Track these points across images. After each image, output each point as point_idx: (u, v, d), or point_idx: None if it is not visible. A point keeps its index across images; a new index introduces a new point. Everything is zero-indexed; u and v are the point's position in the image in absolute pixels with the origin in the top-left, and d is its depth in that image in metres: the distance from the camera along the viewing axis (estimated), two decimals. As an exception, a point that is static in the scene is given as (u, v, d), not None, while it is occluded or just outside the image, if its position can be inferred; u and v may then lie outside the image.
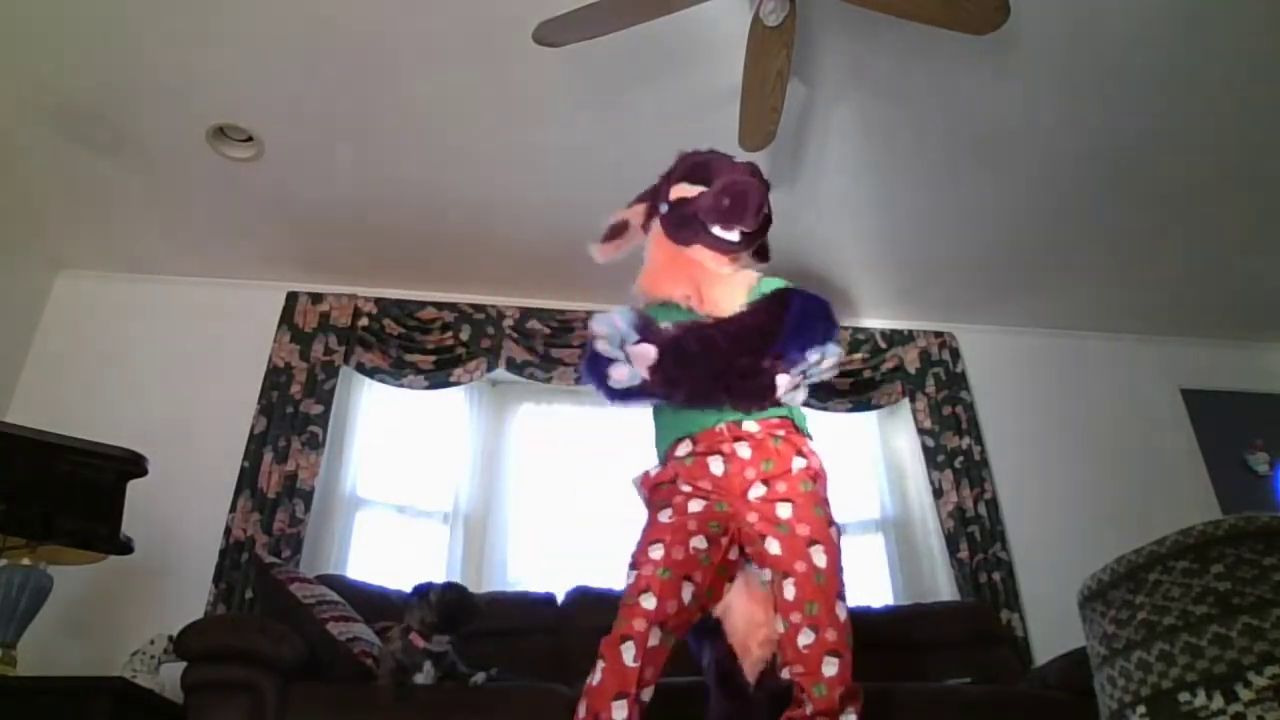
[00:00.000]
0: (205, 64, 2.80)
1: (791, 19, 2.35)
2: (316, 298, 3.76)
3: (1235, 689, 1.38)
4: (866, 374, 4.00)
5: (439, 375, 3.71)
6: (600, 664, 1.61)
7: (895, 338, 4.10)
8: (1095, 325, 4.26)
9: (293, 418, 3.48)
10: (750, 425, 1.84)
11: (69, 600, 2.81)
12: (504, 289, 3.91)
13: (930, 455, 3.80)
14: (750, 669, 1.83)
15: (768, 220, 1.99)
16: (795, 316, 1.86)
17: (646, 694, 1.60)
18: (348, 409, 3.68)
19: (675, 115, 2.95)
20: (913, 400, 3.95)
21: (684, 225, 1.98)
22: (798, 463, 1.83)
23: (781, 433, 1.86)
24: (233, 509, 3.27)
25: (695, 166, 2.04)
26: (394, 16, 2.65)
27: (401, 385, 3.70)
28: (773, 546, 1.73)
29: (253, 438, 3.42)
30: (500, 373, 3.79)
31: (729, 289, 1.97)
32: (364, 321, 3.76)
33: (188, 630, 2.23)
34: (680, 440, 1.88)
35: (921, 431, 3.86)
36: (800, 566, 1.70)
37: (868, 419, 4.02)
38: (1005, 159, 3.27)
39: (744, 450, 1.82)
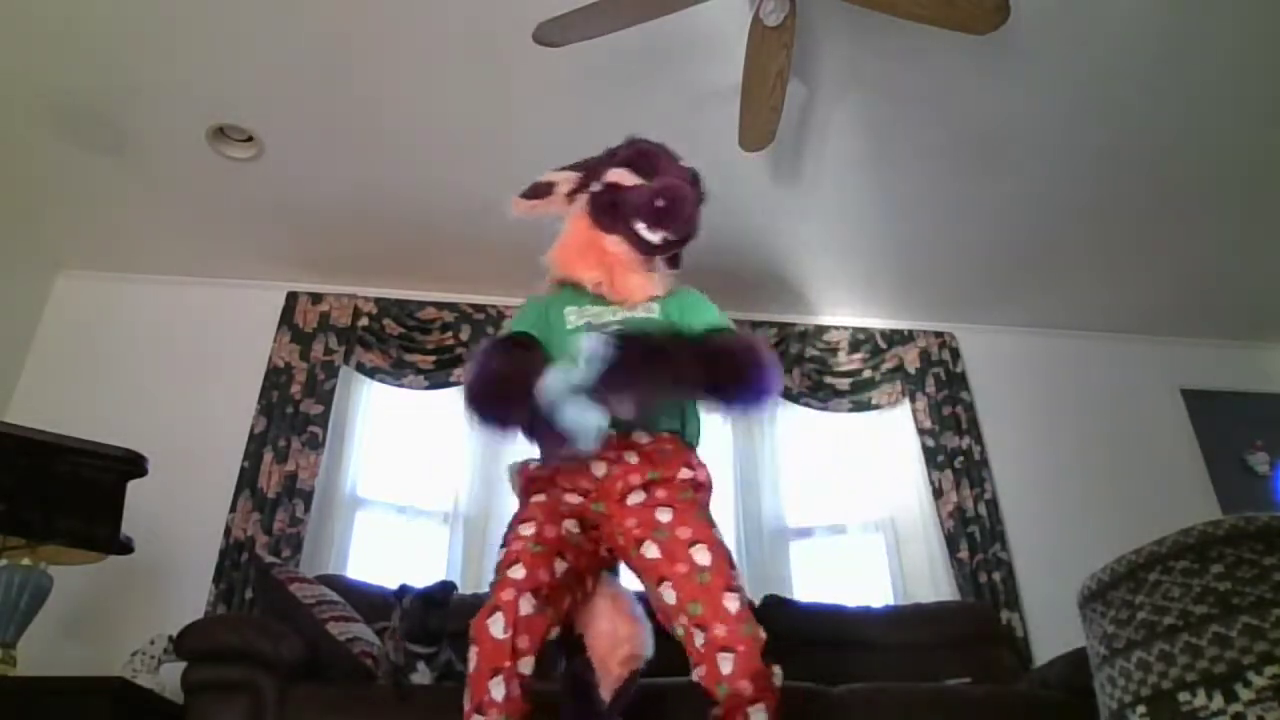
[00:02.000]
0: (205, 64, 2.80)
1: (791, 19, 2.35)
2: (316, 298, 3.77)
3: (1235, 689, 1.38)
4: (866, 374, 4.00)
5: (439, 375, 3.71)
6: (473, 647, 1.55)
7: (895, 338, 4.10)
8: (1095, 325, 4.26)
9: (293, 418, 3.48)
10: (641, 436, 1.81)
11: (69, 600, 2.82)
12: (504, 289, 3.91)
13: (930, 455, 3.80)
14: (608, 687, 1.78)
15: (692, 233, 1.94)
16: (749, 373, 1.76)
17: (525, 665, 1.53)
18: (348, 409, 3.68)
19: (675, 115, 2.95)
20: (913, 400, 3.95)
21: (609, 211, 1.93)
22: (683, 473, 1.79)
23: (669, 446, 1.82)
24: (233, 509, 3.27)
25: (640, 155, 1.99)
26: (394, 17, 2.65)
27: (401, 385, 3.70)
28: (650, 550, 1.67)
29: (253, 438, 3.43)
30: (500, 373, 3.78)
31: (643, 281, 1.94)
32: (364, 321, 3.76)
33: (188, 630, 2.23)
34: None
35: (921, 431, 3.86)
36: (680, 569, 1.63)
37: (868, 419, 4.02)
38: (1005, 159, 3.27)
39: (631, 457, 1.79)
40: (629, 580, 1.87)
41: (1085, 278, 3.96)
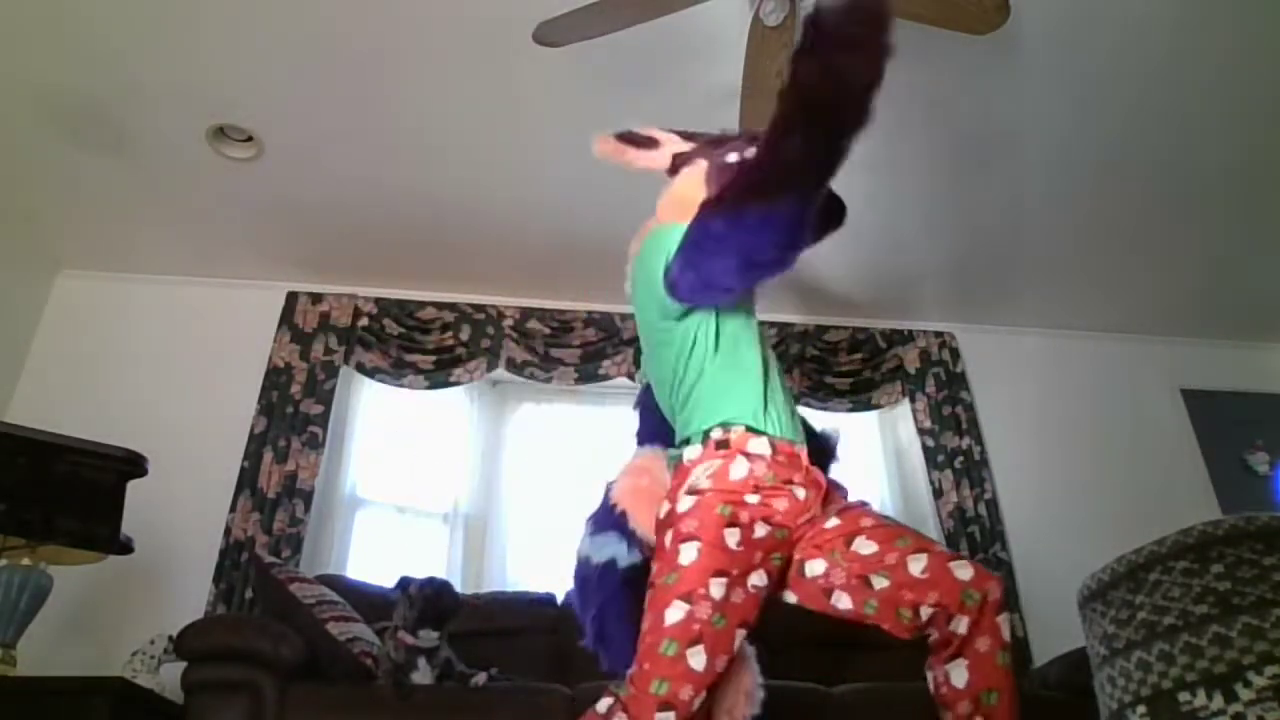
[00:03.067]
0: (205, 64, 2.80)
1: (791, 19, 2.35)
2: (316, 298, 3.77)
3: (1235, 689, 1.38)
4: (866, 374, 4.00)
5: (439, 375, 3.71)
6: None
7: (895, 338, 4.10)
8: (1095, 325, 4.26)
9: (293, 418, 3.48)
10: (802, 450, 1.63)
11: (69, 600, 2.81)
12: (504, 289, 3.91)
13: (930, 455, 3.80)
14: None
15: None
16: None
17: None
18: (348, 409, 3.68)
19: (675, 115, 2.93)
20: (913, 400, 3.95)
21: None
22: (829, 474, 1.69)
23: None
24: (233, 509, 3.27)
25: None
26: (394, 17, 2.65)
27: (401, 385, 3.70)
28: (831, 522, 1.57)
29: (253, 438, 3.42)
30: (500, 373, 3.79)
31: None
32: (364, 321, 3.76)
33: (188, 630, 2.23)
34: (758, 435, 1.58)
35: (921, 431, 3.86)
36: (866, 522, 1.55)
37: (868, 419, 4.02)
38: (1005, 159, 3.27)
39: (819, 477, 1.62)
40: None
41: (1085, 278, 3.96)
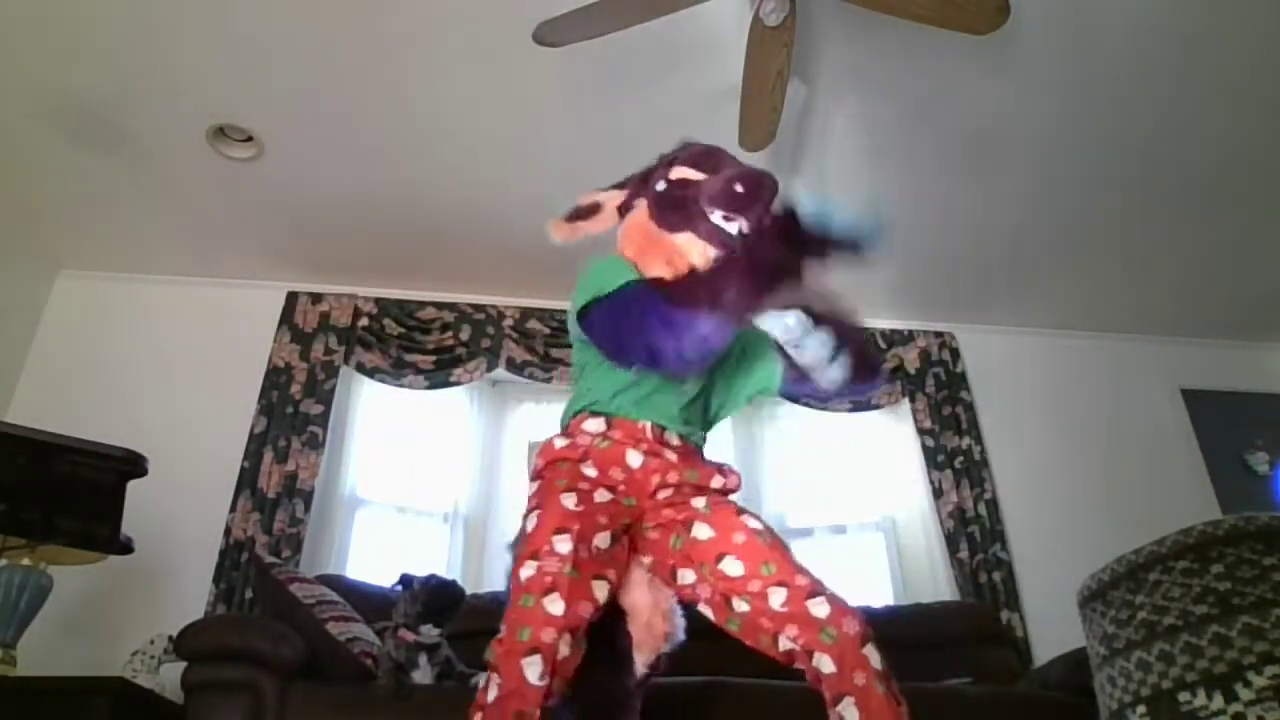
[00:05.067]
0: (205, 64, 2.80)
1: (791, 19, 2.35)
2: (316, 298, 3.77)
3: (1235, 689, 1.38)
4: (866, 374, 4.00)
5: (439, 375, 3.71)
6: (495, 679, 1.43)
7: (895, 338, 4.10)
8: (1095, 325, 4.26)
9: (293, 418, 3.48)
10: (673, 438, 1.71)
11: (69, 600, 2.81)
12: (504, 289, 3.91)
13: (930, 455, 3.80)
14: (643, 659, 1.69)
15: (764, 230, 1.74)
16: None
17: (550, 702, 1.43)
18: (348, 409, 3.68)
19: (675, 115, 2.95)
20: (913, 400, 3.95)
21: (678, 208, 1.77)
22: (715, 480, 1.72)
23: (699, 455, 1.76)
24: (233, 509, 3.27)
25: (704, 154, 1.85)
26: (395, 17, 2.65)
27: (401, 385, 3.70)
28: (701, 530, 1.60)
29: (253, 438, 3.43)
30: (500, 373, 3.79)
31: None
32: (364, 321, 3.76)
33: (188, 630, 2.23)
34: (590, 415, 1.72)
35: (921, 431, 3.86)
36: (739, 537, 1.57)
37: (868, 419, 4.02)
38: (1005, 159, 3.27)
39: (669, 454, 1.69)
40: None
41: (1085, 278, 3.96)
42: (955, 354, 4.09)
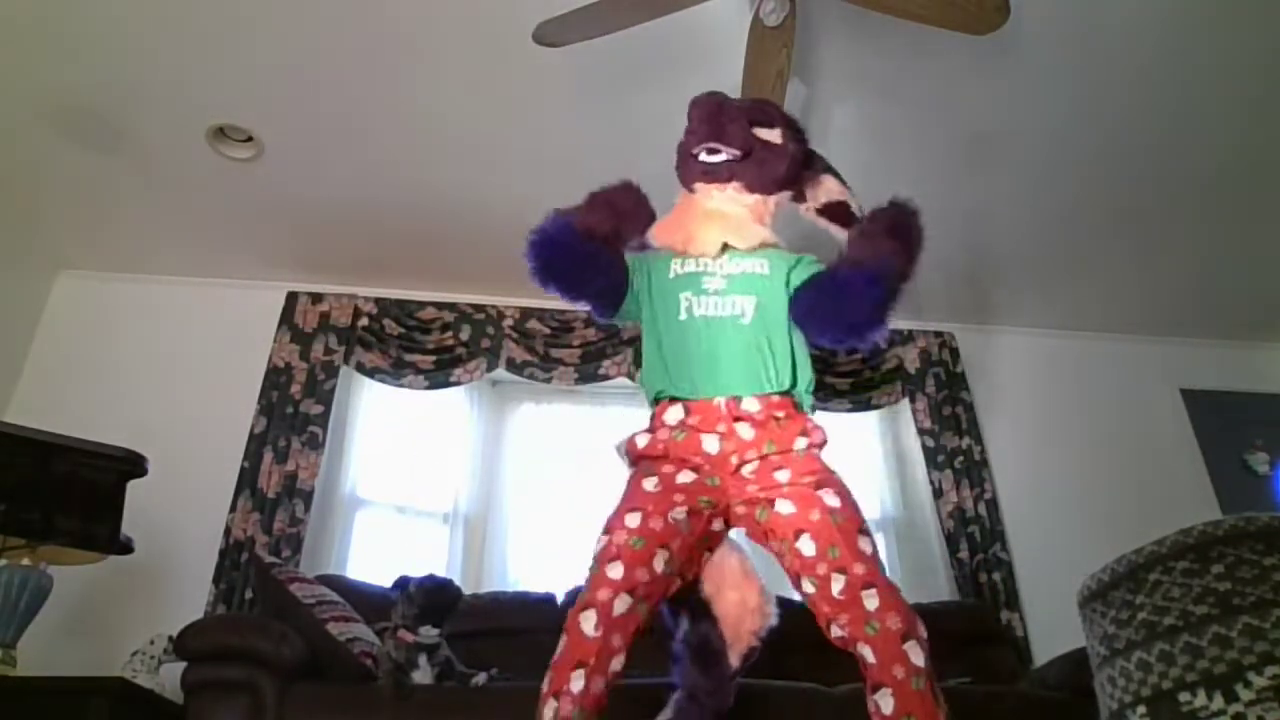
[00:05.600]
0: (205, 64, 2.80)
1: (791, 19, 2.35)
2: (316, 298, 3.77)
3: (1235, 689, 1.38)
4: (866, 374, 4.00)
5: (439, 375, 3.71)
6: (564, 637, 1.54)
7: (895, 338, 4.10)
8: (1095, 325, 4.26)
9: (293, 418, 3.48)
10: (750, 405, 1.76)
11: (69, 600, 2.81)
12: (504, 289, 3.91)
13: (930, 455, 3.79)
14: (737, 654, 1.78)
15: (762, 145, 1.92)
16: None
17: (616, 663, 1.52)
18: (348, 409, 3.68)
19: (675, 115, 2.93)
20: (913, 400, 3.95)
21: (681, 164, 1.95)
22: (799, 442, 1.76)
23: (782, 413, 1.78)
24: (233, 509, 3.27)
25: (693, 106, 2.00)
26: (394, 16, 2.65)
27: (401, 385, 3.70)
28: (784, 506, 1.65)
29: (253, 438, 3.43)
30: (500, 373, 3.79)
31: (720, 228, 1.91)
32: (364, 321, 3.76)
33: (188, 630, 2.23)
34: (671, 403, 1.80)
35: (921, 431, 3.86)
36: (814, 516, 1.62)
37: (868, 419, 4.02)
38: (1005, 159, 3.27)
39: (745, 430, 1.74)
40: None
41: (1085, 278, 3.96)
42: (955, 354, 4.09)
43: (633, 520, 1.63)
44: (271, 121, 3.05)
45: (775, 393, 1.79)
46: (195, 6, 2.60)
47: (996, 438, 3.91)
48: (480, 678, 2.35)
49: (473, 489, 3.64)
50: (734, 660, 1.79)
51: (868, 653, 1.51)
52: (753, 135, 1.92)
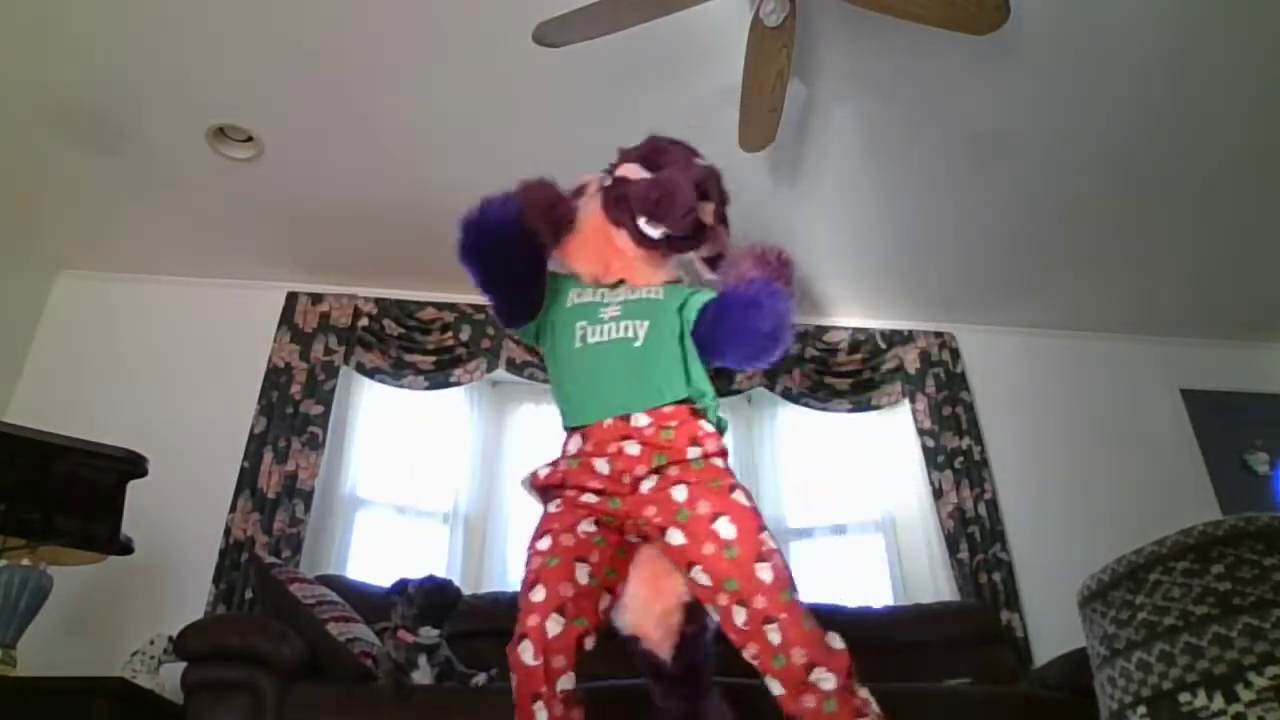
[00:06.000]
0: (205, 64, 2.80)
1: (791, 19, 2.35)
2: (316, 298, 3.76)
3: (1236, 689, 1.38)
4: (866, 374, 4.00)
5: (439, 375, 3.71)
6: (513, 674, 1.57)
7: (895, 338, 4.10)
8: (1095, 325, 4.26)
9: (293, 418, 3.48)
10: (640, 420, 1.77)
11: (69, 600, 2.82)
12: (504, 289, 3.90)
13: (930, 455, 3.79)
14: (663, 649, 1.76)
15: (697, 228, 1.94)
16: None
17: (565, 682, 1.54)
18: (348, 409, 3.68)
19: (675, 115, 2.94)
20: (913, 400, 3.94)
21: (616, 204, 1.96)
22: (693, 451, 1.75)
23: (675, 423, 1.77)
24: (233, 509, 3.27)
25: (652, 151, 2.01)
26: (394, 17, 2.65)
27: (401, 385, 3.70)
28: (675, 537, 1.65)
29: (253, 438, 3.42)
30: (500, 373, 3.79)
31: (644, 271, 1.96)
32: (364, 321, 3.76)
33: (188, 630, 2.23)
34: (573, 433, 1.85)
35: (921, 432, 3.86)
36: (707, 549, 1.61)
37: (868, 419, 4.02)
38: (1005, 159, 3.27)
39: (632, 449, 1.75)
40: None
41: (1085, 278, 3.96)
42: (955, 354, 4.09)
43: (544, 544, 1.69)
44: (271, 121, 3.05)
45: (669, 403, 1.79)
46: (195, 6, 2.60)
47: (996, 438, 3.91)
48: (480, 678, 2.35)
49: (473, 489, 3.64)
50: (665, 655, 1.77)
51: (775, 685, 1.53)
52: (695, 221, 1.93)
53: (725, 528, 1.63)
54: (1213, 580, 1.46)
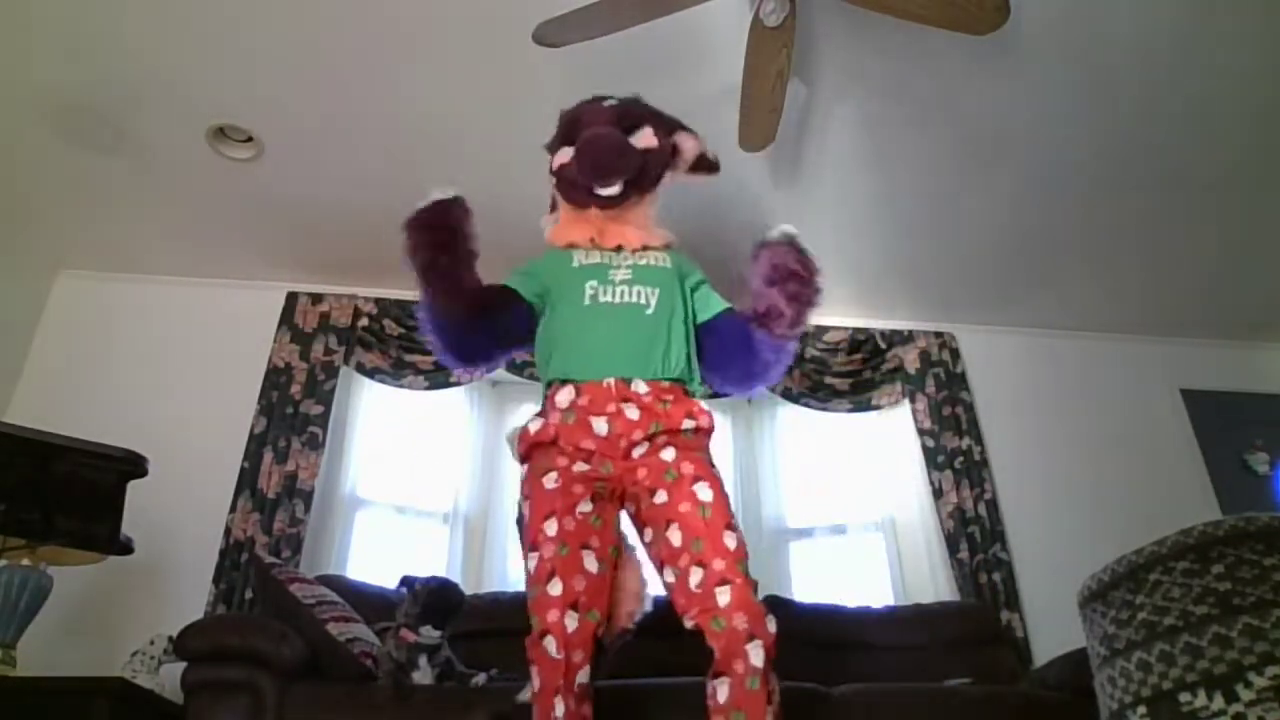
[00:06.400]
0: (205, 64, 2.80)
1: (791, 19, 2.35)
2: (316, 298, 3.76)
3: (1236, 689, 1.38)
4: (866, 374, 4.00)
5: (439, 375, 3.71)
6: (533, 670, 1.60)
7: (895, 338, 4.10)
8: (1095, 325, 4.26)
9: (293, 418, 3.48)
10: (639, 386, 1.80)
11: (69, 600, 2.82)
12: (504, 289, 3.91)
13: (930, 455, 3.79)
14: (611, 638, 1.78)
15: (648, 155, 1.97)
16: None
17: (582, 676, 1.58)
18: (348, 409, 3.68)
19: (675, 115, 2.95)
20: (913, 400, 3.94)
21: (572, 190, 1.99)
22: (687, 423, 1.79)
23: (670, 398, 1.81)
24: (233, 509, 3.27)
25: (566, 126, 2.06)
26: (394, 17, 2.65)
27: (401, 385, 3.70)
28: (660, 496, 1.71)
29: (253, 438, 3.42)
30: (500, 373, 3.78)
31: (635, 230, 1.99)
32: (364, 322, 3.76)
33: (188, 630, 2.23)
34: (562, 385, 1.82)
35: (921, 432, 3.86)
36: (684, 507, 1.68)
37: (868, 419, 4.02)
38: (1005, 159, 3.27)
39: (631, 412, 1.77)
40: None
41: (1085, 278, 3.96)
42: (955, 354, 4.09)
43: (550, 528, 1.68)
44: (271, 121, 3.05)
45: (666, 379, 1.83)
46: (195, 6, 2.60)
47: (996, 438, 3.91)
48: (480, 678, 2.35)
49: (473, 489, 3.64)
50: (607, 641, 1.79)
51: (713, 645, 1.57)
52: (638, 153, 1.96)
53: (704, 490, 1.70)
54: (1213, 580, 1.46)
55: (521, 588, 3.39)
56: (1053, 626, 3.17)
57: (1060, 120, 3.08)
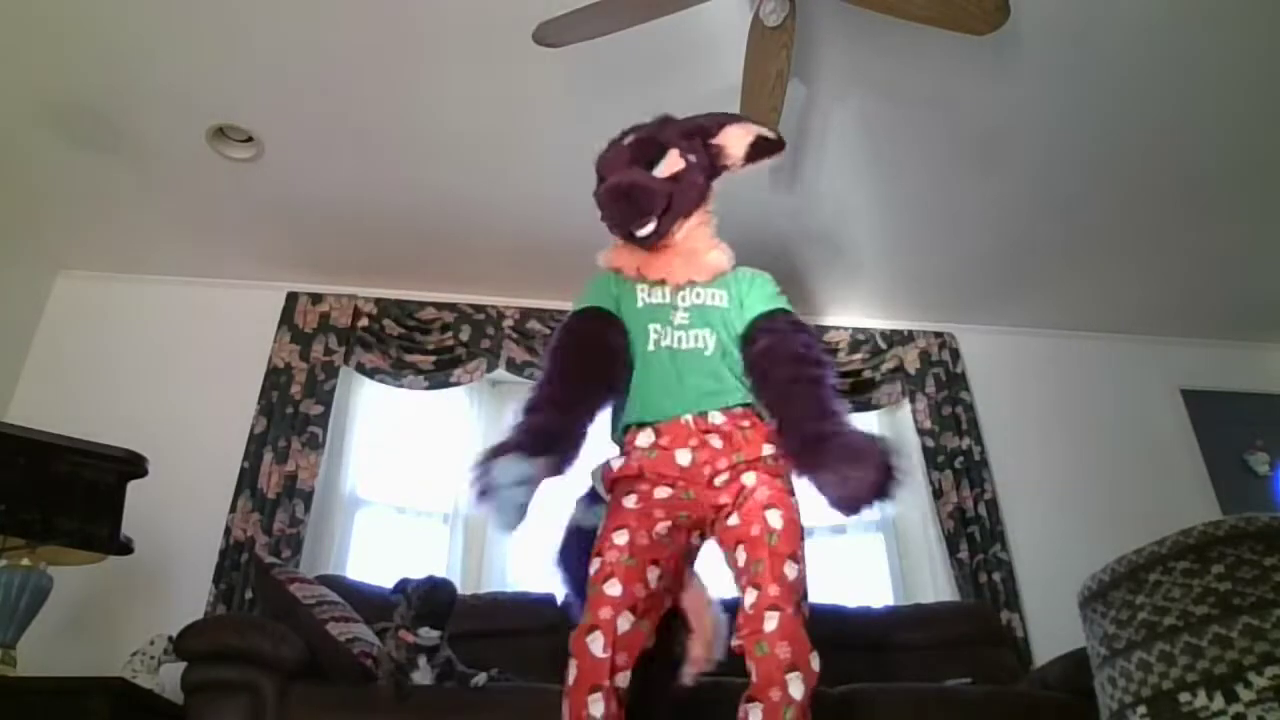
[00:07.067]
0: (205, 64, 2.80)
1: (791, 19, 2.35)
2: (316, 298, 3.76)
3: (1236, 689, 1.38)
4: (866, 374, 4.00)
5: (439, 375, 3.71)
6: (572, 661, 1.58)
7: (895, 338, 4.10)
8: (1095, 325, 4.26)
9: (293, 418, 3.48)
10: (716, 418, 1.81)
11: (69, 600, 2.81)
12: (504, 289, 3.91)
13: (930, 456, 3.79)
14: (689, 672, 1.81)
15: (674, 184, 1.92)
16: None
17: (622, 680, 1.56)
18: (348, 409, 3.68)
19: (675, 115, 2.95)
20: (913, 401, 3.95)
21: (616, 231, 1.98)
22: (766, 449, 1.80)
23: (747, 423, 1.82)
24: (233, 509, 3.27)
25: (597, 175, 2.04)
26: (394, 17, 2.65)
27: (401, 385, 3.70)
28: (733, 519, 1.73)
29: (253, 438, 3.42)
30: (500, 373, 3.79)
31: (681, 259, 1.96)
32: (364, 322, 3.76)
33: (188, 630, 2.22)
34: (641, 428, 1.84)
35: (921, 432, 3.86)
36: (754, 530, 1.69)
37: (867, 419, 4.02)
38: (1005, 159, 3.27)
39: (715, 441, 1.79)
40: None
41: (1085, 278, 3.96)
42: (955, 354, 4.09)
43: (620, 538, 1.68)
44: (271, 121, 3.05)
45: (737, 405, 1.84)
46: (195, 6, 2.60)
47: (996, 438, 3.91)
48: (480, 678, 2.34)
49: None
50: (686, 676, 1.82)
51: (753, 669, 1.56)
52: (662, 184, 1.92)
53: (775, 517, 1.70)
54: (1213, 580, 1.46)
55: (522, 588, 3.42)
56: (1053, 626, 3.17)
57: (1060, 119, 3.08)
